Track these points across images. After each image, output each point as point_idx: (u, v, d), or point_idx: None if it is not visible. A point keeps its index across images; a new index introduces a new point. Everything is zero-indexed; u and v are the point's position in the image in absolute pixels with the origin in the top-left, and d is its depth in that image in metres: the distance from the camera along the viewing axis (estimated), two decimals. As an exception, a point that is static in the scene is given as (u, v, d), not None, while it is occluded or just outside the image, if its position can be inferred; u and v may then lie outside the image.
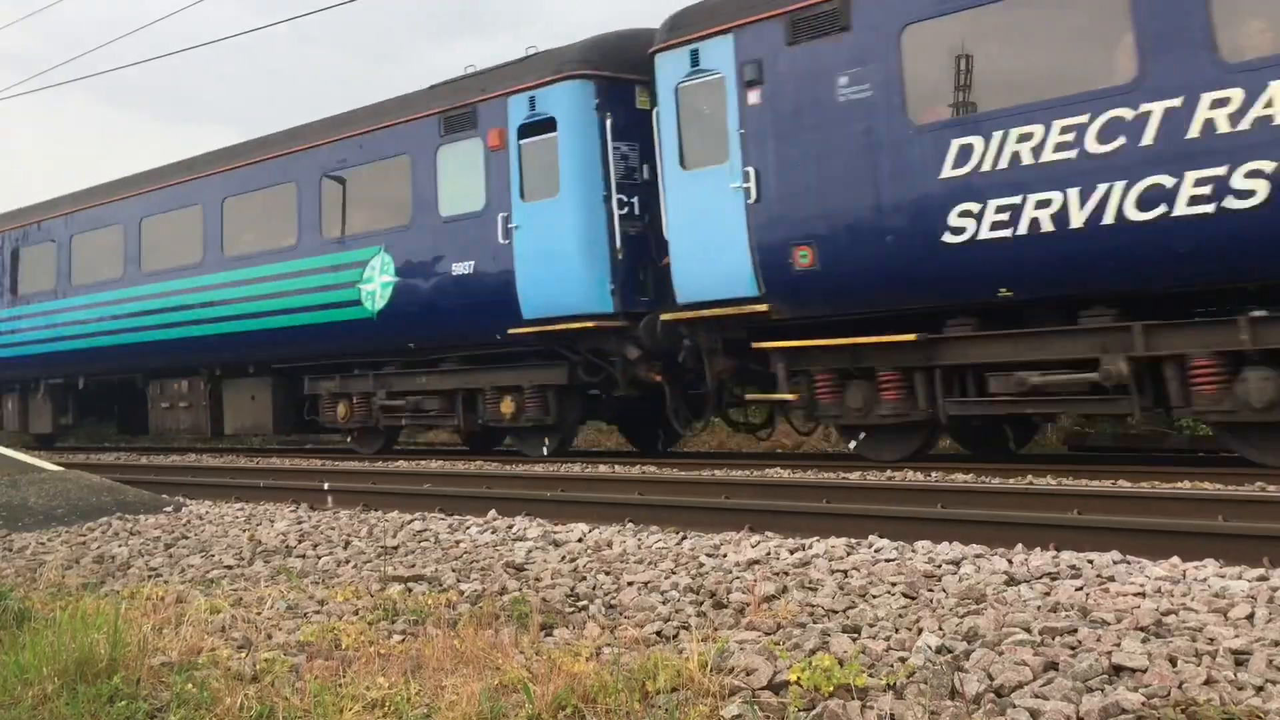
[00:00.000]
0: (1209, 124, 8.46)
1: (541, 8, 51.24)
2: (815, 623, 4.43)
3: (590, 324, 12.70)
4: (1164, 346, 9.03)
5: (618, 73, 13.03)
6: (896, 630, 4.29)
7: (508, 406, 13.81)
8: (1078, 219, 9.08)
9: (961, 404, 10.22)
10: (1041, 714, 3.26)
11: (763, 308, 11.09)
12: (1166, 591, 4.74)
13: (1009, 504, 7.34)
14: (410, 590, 5.55)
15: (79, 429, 22.73)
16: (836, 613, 4.63)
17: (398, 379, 15.30)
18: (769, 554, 6.02)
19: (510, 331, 13.34)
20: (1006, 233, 9.44)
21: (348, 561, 6.66)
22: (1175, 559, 5.33)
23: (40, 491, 9.62)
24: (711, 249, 11.43)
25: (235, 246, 16.97)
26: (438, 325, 14.21)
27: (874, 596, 4.91)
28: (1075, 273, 9.25)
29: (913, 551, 5.90)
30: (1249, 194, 8.33)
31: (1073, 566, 5.29)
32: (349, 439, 16.46)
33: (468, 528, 7.71)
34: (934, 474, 9.58)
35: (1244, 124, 8.32)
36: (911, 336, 10.20)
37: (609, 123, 12.72)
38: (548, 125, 13.05)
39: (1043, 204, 9.23)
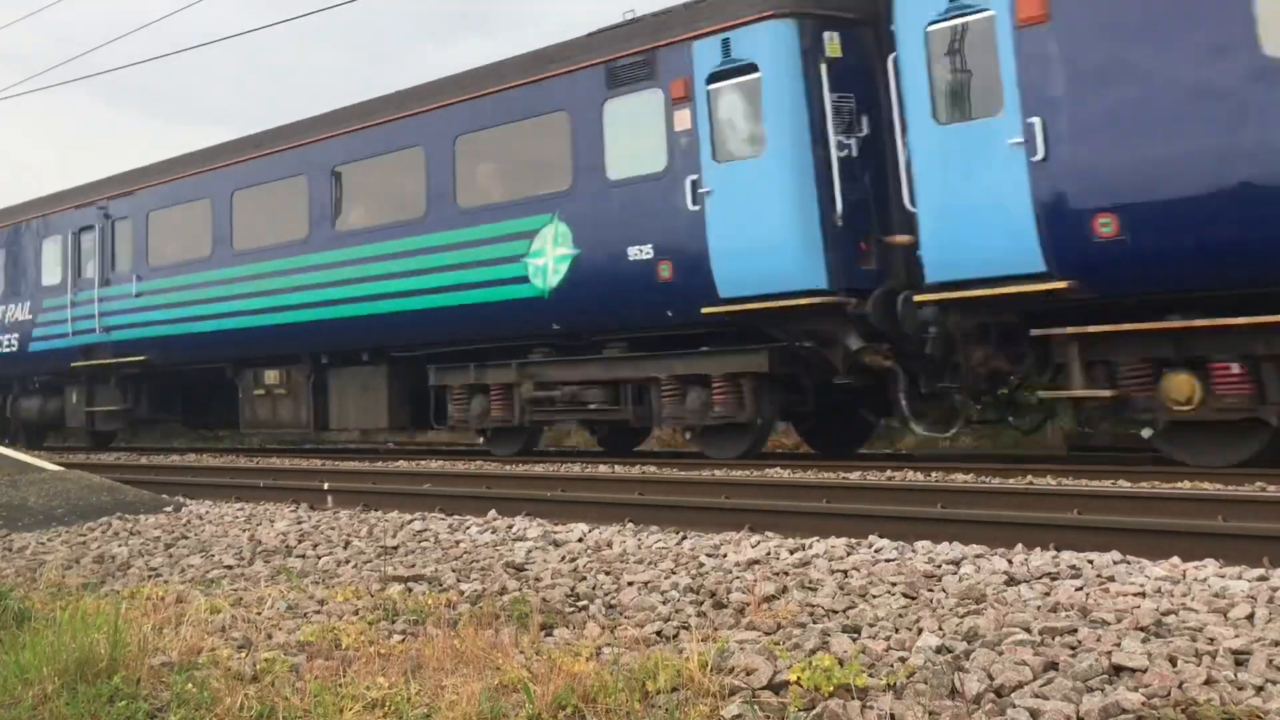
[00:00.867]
0: None
1: (542, 8, 51.27)
2: (815, 623, 4.43)
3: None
4: None
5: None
6: (896, 630, 4.29)
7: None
8: None
9: None
10: (1041, 714, 3.26)
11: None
12: (1166, 591, 4.74)
13: (1009, 504, 7.34)
14: (410, 590, 5.55)
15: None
16: (836, 613, 4.63)
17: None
18: (769, 554, 6.02)
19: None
20: None
21: (348, 561, 6.66)
22: (1175, 559, 5.33)
23: (40, 491, 9.61)
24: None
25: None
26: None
27: (874, 596, 4.91)
28: None
29: (913, 551, 5.90)
30: None
31: (1073, 566, 5.29)
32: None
33: (468, 528, 7.70)
34: (934, 474, 9.59)
35: None
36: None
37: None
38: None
39: None
